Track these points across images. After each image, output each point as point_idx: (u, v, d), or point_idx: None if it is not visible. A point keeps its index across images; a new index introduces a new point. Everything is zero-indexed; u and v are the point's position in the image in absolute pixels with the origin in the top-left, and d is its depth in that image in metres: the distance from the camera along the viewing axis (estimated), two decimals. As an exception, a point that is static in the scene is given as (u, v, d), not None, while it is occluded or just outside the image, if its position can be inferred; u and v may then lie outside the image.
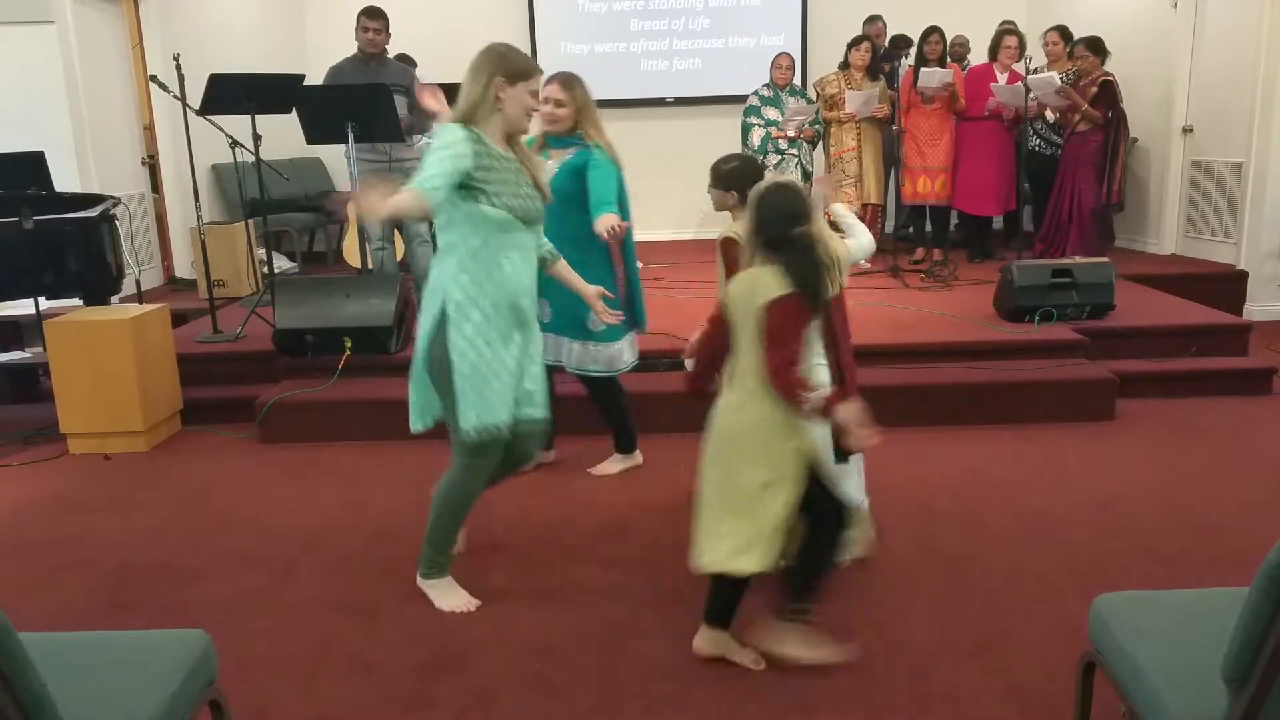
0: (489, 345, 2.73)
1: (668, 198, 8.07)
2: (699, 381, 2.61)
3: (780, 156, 6.57)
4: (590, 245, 3.51)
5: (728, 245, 3.02)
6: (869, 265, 6.37)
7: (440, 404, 2.83)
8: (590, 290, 3.20)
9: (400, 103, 5.54)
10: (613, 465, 4.00)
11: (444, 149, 2.63)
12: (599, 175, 3.51)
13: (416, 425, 2.93)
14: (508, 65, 2.69)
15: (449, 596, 2.92)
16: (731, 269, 2.96)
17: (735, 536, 2.38)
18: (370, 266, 5.47)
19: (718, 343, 2.51)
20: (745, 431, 2.42)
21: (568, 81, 3.52)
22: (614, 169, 3.54)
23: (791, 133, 6.54)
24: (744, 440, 2.42)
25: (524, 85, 2.72)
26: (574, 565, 3.16)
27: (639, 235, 4.12)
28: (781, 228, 2.40)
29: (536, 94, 2.80)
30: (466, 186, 2.65)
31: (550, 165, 3.47)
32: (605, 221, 3.33)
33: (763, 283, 2.38)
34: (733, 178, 3.06)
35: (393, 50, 5.79)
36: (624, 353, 3.75)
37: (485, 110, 2.70)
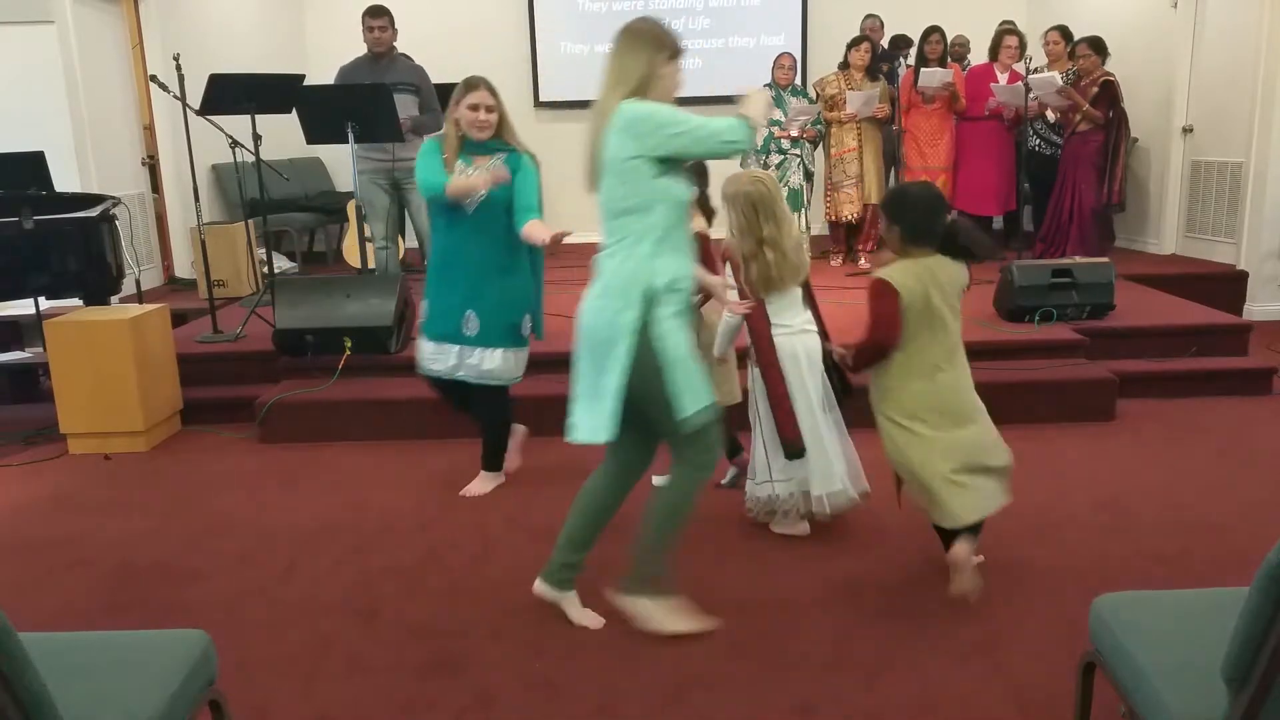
0: (683, 329, 2.58)
1: (668, 198, 8.05)
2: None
3: (783, 156, 6.57)
4: (519, 251, 3.56)
5: (725, 249, 3.24)
6: (869, 265, 6.37)
7: (644, 408, 2.56)
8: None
9: (411, 102, 5.53)
10: (485, 485, 3.83)
11: (667, 115, 2.48)
12: (529, 180, 3.52)
13: (600, 436, 2.56)
14: (665, 43, 2.57)
15: (669, 617, 2.70)
16: (711, 266, 3.26)
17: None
18: (371, 266, 5.48)
19: (893, 340, 2.78)
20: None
21: (491, 86, 3.50)
22: (538, 173, 3.57)
23: (794, 133, 6.54)
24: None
25: (674, 64, 2.59)
26: (574, 565, 3.16)
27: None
28: (938, 220, 2.78)
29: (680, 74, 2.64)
30: (666, 161, 2.51)
31: (482, 172, 3.43)
32: (539, 229, 3.34)
33: (946, 268, 2.78)
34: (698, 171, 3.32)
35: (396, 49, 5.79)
36: (526, 357, 3.75)
37: (649, 87, 2.54)
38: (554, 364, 4.67)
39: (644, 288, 2.50)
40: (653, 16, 2.67)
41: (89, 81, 6.24)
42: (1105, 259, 5.32)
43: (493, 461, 3.87)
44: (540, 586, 2.83)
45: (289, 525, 3.55)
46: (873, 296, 2.82)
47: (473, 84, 3.46)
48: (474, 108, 3.44)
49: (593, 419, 2.58)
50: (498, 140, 3.51)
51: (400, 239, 6.02)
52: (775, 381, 3.17)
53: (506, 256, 3.55)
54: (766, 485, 3.26)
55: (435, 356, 3.60)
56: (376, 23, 5.47)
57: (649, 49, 2.55)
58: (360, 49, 5.77)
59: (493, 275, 3.53)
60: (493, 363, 3.60)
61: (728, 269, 3.31)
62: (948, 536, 2.82)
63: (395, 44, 5.66)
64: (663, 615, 2.69)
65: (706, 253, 3.40)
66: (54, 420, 4.42)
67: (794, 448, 3.14)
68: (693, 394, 2.56)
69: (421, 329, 3.66)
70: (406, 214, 5.98)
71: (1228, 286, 6.27)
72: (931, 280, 2.76)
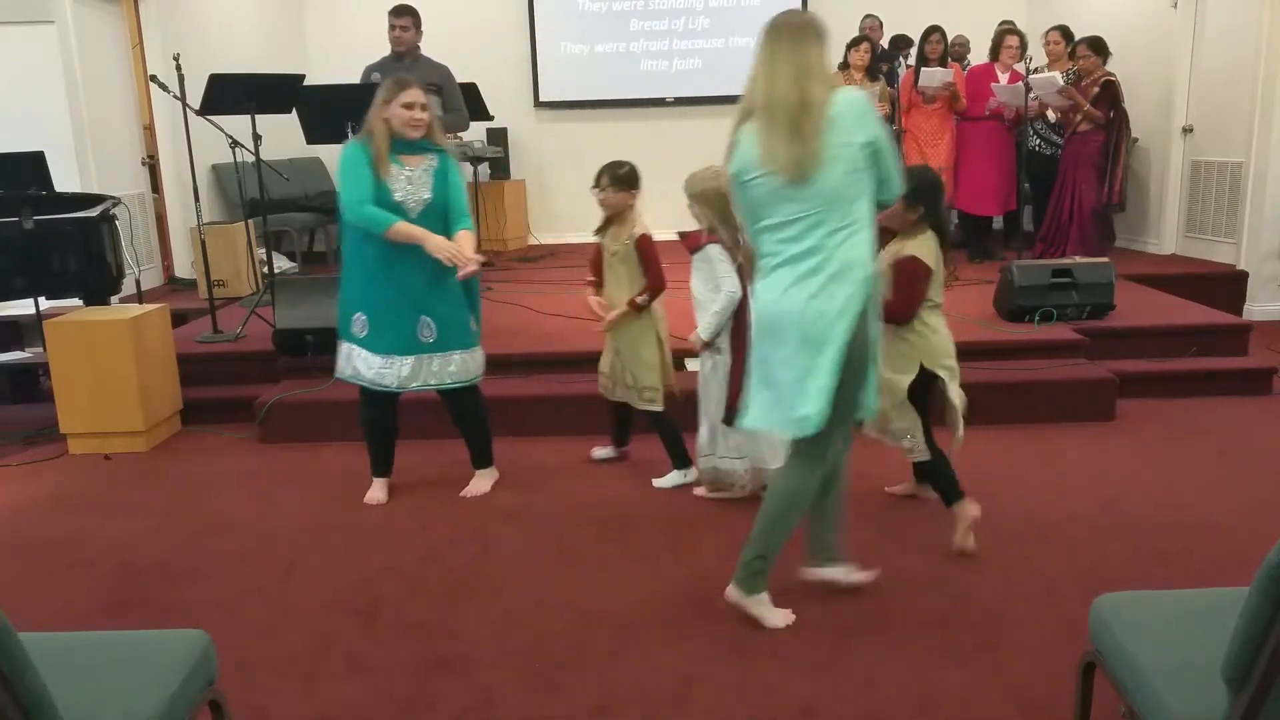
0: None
1: (668, 198, 8.01)
2: None
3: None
4: None
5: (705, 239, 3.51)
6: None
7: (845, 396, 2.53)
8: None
9: (433, 102, 5.51)
10: (485, 483, 3.84)
11: (871, 112, 2.52)
12: (458, 184, 3.52)
13: (810, 427, 2.51)
14: (826, 36, 2.53)
15: (773, 613, 2.74)
16: (655, 267, 3.71)
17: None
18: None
19: (914, 316, 3.12)
20: None
21: (422, 86, 3.48)
22: (461, 175, 3.57)
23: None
24: None
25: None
26: (574, 565, 3.16)
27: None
28: (943, 202, 3.20)
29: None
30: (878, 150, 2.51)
31: (413, 173, 3.42)
32: (469, 250, 3.41)
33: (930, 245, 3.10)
34: (634, 178, 3.73)
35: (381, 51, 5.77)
36: (483, 355, 3.72)
37: (829, 79, 2.54)
38: (554, 364, 4.69)
39: (866, 274, 2.51)
40: (799, 10, 2.77)
41: (89, 81, 6.23)
42: (1105, 259, 5.32)
43: (484, 459, 3.85)
44: (735, 593, 2.76)
45: (289, 525, 3.55)
46: (911, 277, 3.04)
47: (405, 82, 3.42)
48: (409, 106, 3.39)
49: (795, 409, 2.52)
50: (427, 140, 3.47)
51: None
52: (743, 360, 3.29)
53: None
54: (710, 459, 3.56)
55: (385, 370, 3.51)
56: (399, 22, 5.46)
57: (820, 41, 2.52)
58: (358, 49, 5.77)
59: (440, 278, 3.47)
60: (453, 366, 3.57)
61: (709, 254, 3.45)
62: (952, 495, 3.17)
63: (419, 45, 5.60)
64: (768, 611, 2.73)
65: (651, 254, 3.72)
66: (54, 420, 4.42)
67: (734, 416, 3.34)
68: (873, 394, 2.63)
69: (361, 342, 3.52)
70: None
71: (1228, 286, 6.27)
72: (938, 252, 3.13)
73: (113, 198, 5.06)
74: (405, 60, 5.49)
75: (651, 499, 3.67)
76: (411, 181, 3.43)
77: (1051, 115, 6.64)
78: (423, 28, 5.57)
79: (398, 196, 3.40)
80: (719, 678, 2.50)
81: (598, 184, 3.71)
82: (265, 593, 3.04)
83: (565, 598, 2.94)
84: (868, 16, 7.50)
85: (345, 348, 3.57)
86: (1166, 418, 4.46)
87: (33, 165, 5.07)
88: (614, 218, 3.76)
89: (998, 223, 7.34)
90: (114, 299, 5.01)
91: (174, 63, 5.05)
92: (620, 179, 3.69)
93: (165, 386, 4.59)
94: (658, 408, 3.75)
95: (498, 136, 8.30)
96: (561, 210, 8.70)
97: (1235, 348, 5.02)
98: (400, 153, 3.43)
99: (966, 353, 4.77)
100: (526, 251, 8.17)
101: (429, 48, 5.81)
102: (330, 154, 8.06)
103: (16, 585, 3.16)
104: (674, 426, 3.79)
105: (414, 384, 3.55)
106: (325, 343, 4.67)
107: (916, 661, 2.55)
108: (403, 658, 2.64)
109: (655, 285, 3.72)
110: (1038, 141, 6.74)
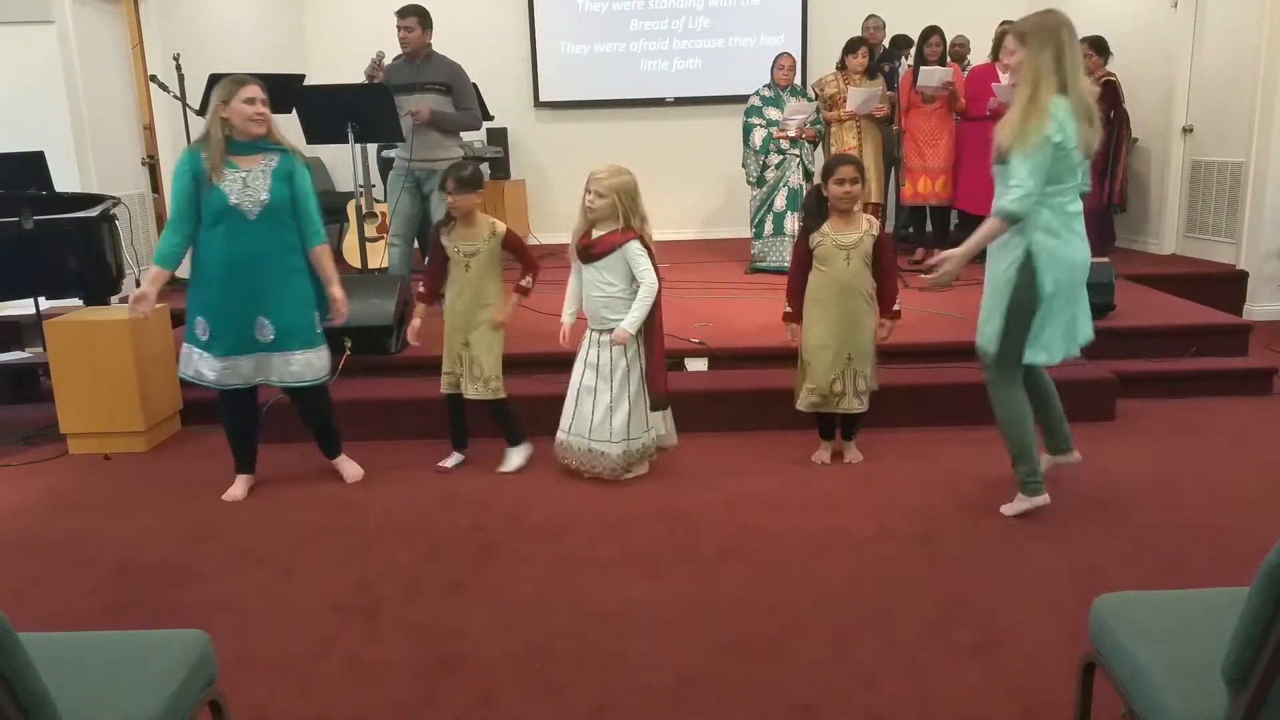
0: None
1: (668, 198, 8.07)
2: None
3: (782, 156, 6.57)
4: (301, 251, 3.56)
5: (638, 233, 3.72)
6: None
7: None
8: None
9: (444, 100, 5.49)
10: (350, 468, 3.97)
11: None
12: (306, 188, 3.52)
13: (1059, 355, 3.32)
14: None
15: (1043, 497, 3.43)
16: (529, 260, 3.95)
17: None
18: (371, 266, 5.48)
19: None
20: None
21: (261, 82, 3.45)
22: (310, 177, 3.58)
23: (792, 132, 6.54)
24: None
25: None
26: (574, 565, 3.16)
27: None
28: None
29: None
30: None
31: (249, 174, 3.40)
32: (333, 279, 3.59)
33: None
34: (479, 179, 3.83)
35: (393, 52, 5.77)
36: (329, 354, 3.75)
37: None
38: (554, 364, 4.68)
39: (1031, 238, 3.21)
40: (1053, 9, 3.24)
41: (89, 81, 6.23)
42: (1105, 259, 5.31)
43: (336, 447, 3.94)
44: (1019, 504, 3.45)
45: (289, 525, 3.55)
46: (892, 250, 3.91)
47: (241, 79, 3.41)
48: (250, 101, 3.36)
49: (1083, 335, 3.34)
50: (267, 139, 3.45)
51: (416, 240, 5.97)
52: (661, 344, 3.82)
53: (292, 258, 3.53)
54: (644, 436, 3.82)
55: (227, 371, 3.53)
56: (403, 23, 5.44)
57: (1055, 41, 3.10)
58: (358, 49, 5.76)
59: (281, 279, 3.49)
60: (295, 365, 3.58)
61: (629, 250, 3.65)
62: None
63: (429, 43, 5.56)
64: (1042, 500, 3.43)
65: (522, 243, 3.97)
66: (54, 420, 4.42)
67: (666, 401, 3.82)
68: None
69: (203, 346, 3.54)
70: (428, 214, 5.92)
71: (1228, 286, 6.27)
72: None
73: (113, 198, 5.07)
74: (416, 60, 5.46)
75: (652, 499, 3.67)
76: (247, 184, 3.39)
77: (1052, 115, 6.63)
78: (432, 26, 5.53)
79: (233, 200, 3.38)
80: (719, 678, 2.50)
81: (443, 188, 3.79)
82: (265, 593, 3.04)
83: (565, 598, 2.94)
84: (870, 17, 7.50)
85: (186, 349, 3.60)
86: (1166, 418, 4.46)
87: (33, 165, 5.07)
88: (462, 220, 3.85)
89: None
90: (114, 299, 5.01)
91: (174, 63, 5.05)
92: (466, 181, 3.76)
93: (165, 386, 4.58)
94: (504, 394, 3.93)
95: (498, 136, 8.31)
96: (561, 210, 8.69)
97: (1235, 348, 5.02)
98: (235, 154, 3.40)
99: (966, 353, 4.80)
100: (526, 251, 8.17)
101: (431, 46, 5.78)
102: (331, 155, 8.12)
103: (16, 585, 3.16)
104: (510, 408, 3.99)
105: (258, 378, 3.59)
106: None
107: (916, 661, 2.55)
108: (403, 658, 2.64)
109: (536, 269, 3.93)
110: (1038, 141, 6.73)
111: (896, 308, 3.85)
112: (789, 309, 3.88)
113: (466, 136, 7.64)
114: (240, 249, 3.43)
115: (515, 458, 4.03)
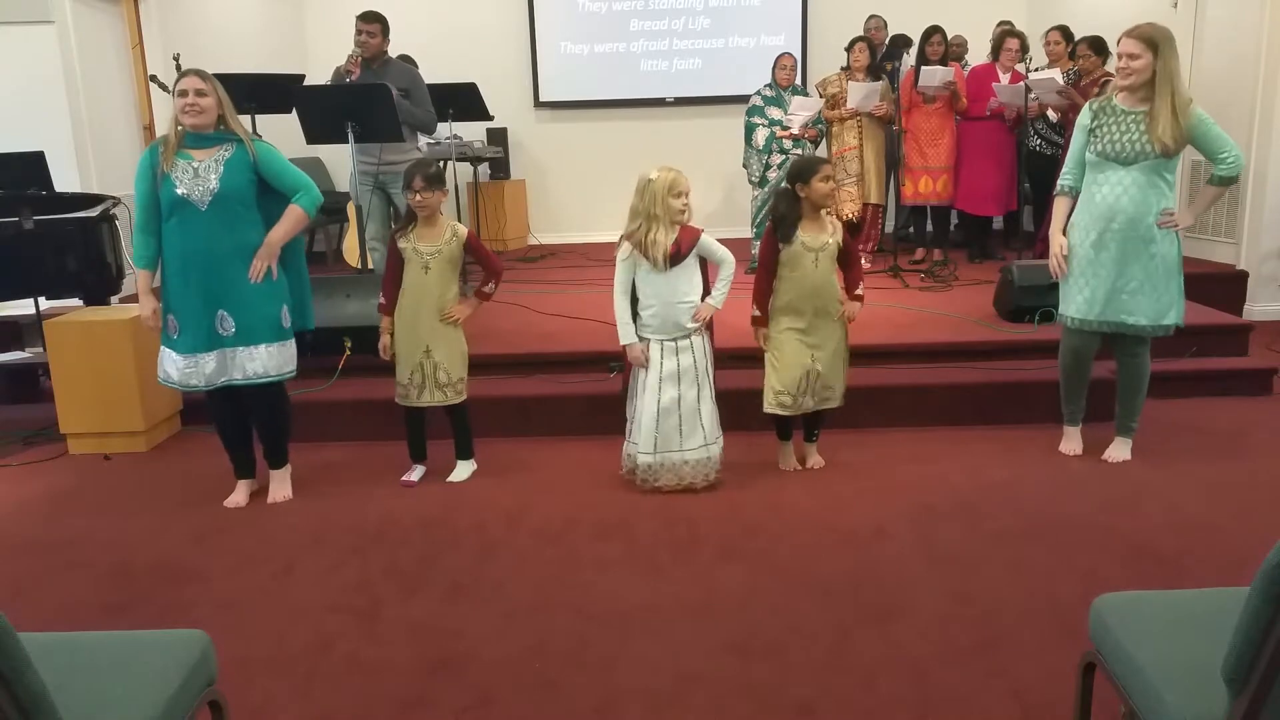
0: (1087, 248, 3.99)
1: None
2: None
3: (785, 156, 6.56)
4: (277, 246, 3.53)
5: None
6: (869, 265, 6.36)
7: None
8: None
9: (403, 106, 5.51)
10: (283, 486, 3.80)
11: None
12: (276, 160, 3.49)
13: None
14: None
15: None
16: (490, 259, 3.87)
17: None
18: (370, 267, 5.47)
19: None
20: None
21: (203, 72, 3.42)
22: (276, 150, 3.54)
23: (797, 130, 6.54)
24: None
25: None
26: (573, 565, 3.16)
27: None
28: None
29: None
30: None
31: (200, 165, 3.38)
32: (271, 243, 3.48)
33: None
34: (443, 177, 3.80)
35: (393, 51, 5.77)
36: (294, 350, 3.67)
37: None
38: (554, 364, 4.69)
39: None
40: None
41: (89, 81, 6.23)
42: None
43: (280, 458, 3.79)
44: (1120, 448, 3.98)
45: (289, 525, 3.55)
46: (854, 243, 4.02)
47: (182, 73, 3.41)
48: (183, 93, 3.35)
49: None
50: (221, 130, 3.44)
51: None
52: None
53: (252, 248, 3.47)
54: (712, 446, 3.72)
55: (190, 370, 3.47)
56: (366, 28, 5.45)
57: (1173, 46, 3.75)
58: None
59: (239, 269, 3.43)
60: (257, 361, 3.51)
61: (705, 236, 3.71)
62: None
63: (387, 50, 5.59)
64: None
65: (483, 246, 3.93)
66: (54, 420, 4.42)
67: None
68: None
69: (171, 344, 3.51)
70: (398, 214, 5.95)
71: (1228, 286, 6.26)
72: None
73: (112, 198, 5.07)
74: (374, 66, 5.48)
75: (652, 499, 3.67)
76: (198, 174, 3.37)
77: (1052, 115, 6.64)
78: (389, 34, 5.56)
79: (181, 190, 3.36)
80: (719, 678, 2.50)
81: (410, 186, 3.66)
82: (265, 593, 3.04)
83: (565, 598, 2.94)
84: (872, 17, 7.50)
85: (161, 351, 3.57)
86: (1166, 418, 4.46)
87: (33, 165, 5.07)
88: (424, 220, 3.75)
89: (998, 223, 7.34)
90: (114, 299, 5.02)
91: (174, 63, 5.04)
92: (433, 178, 3.69)
93: (165, 387, 4.57)
94: (464, 398, 3.87)
95: (498, 136, 8.31)
96: (561, 210, 8.71)
97: (1235, 348, 5.02)
98: (193, 147, 3.40)
99: (967, 352, 4.82)
100: (526, 251, 8.17)
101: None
102: (330, 154, 8.10)
103: (16, 585, 3.16)
104: (468, 416, 3.95)
105: (221, 379, 3.49)
106: (325, 342, 4.69)
107: (916, 661, 2.55)
108: (403, 658, 2.64)
109: (499, 273, 3.87)
110: (1038, 141, 6.74)
111: (859, 292, 3.81)
112: (757, 313, 3.79)
113: (467, 136, 7.67)
114: (193, 241, 3.39)
115: (464, 470, 3.96)
